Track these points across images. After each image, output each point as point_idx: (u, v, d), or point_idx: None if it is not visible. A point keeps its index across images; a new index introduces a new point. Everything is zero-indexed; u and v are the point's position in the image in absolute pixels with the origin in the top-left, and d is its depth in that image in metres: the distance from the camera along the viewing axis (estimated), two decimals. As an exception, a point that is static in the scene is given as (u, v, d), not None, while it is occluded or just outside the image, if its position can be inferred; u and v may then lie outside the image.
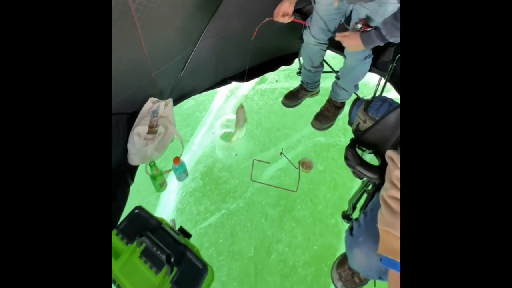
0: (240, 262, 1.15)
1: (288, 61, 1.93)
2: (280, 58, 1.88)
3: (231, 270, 1.13)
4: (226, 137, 1.58)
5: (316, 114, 1.62)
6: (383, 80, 1.49)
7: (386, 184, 0.72)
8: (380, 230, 0.67)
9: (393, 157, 0.68)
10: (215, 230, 1.24)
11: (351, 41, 1.08)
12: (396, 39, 0.97)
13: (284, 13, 1.15)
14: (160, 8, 1.05)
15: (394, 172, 0.67)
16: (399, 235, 0.62)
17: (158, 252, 0.87)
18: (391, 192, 0.68)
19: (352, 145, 0.86)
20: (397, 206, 0.66)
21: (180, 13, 1.19)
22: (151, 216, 1.02)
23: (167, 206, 1.31)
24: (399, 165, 0.66)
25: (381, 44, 1.01)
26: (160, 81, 1.37)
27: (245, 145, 1.56)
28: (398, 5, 0.95)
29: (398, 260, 0.61)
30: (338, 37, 1.12)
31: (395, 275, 0.63)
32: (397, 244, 0.63)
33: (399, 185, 0.66)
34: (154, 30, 1.12)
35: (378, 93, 1.52)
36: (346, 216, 1.14)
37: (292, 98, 1.69)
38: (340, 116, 1.63)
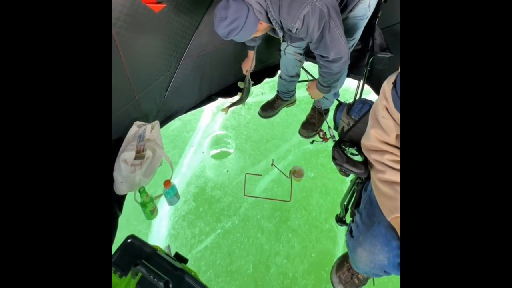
0: (239, 281, 1.12)
1: (271, 73, 1.97)
2: (263, 70, 1.91)
3: (231, 290, 1.10)
4: (217, 156, 1.57)
5: (302, 123, 1.65)
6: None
7: (372, 173, 0.75)
8: (391, 222, 0.69)
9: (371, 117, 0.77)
10: (211, 252, 1.21)
11: (313, 91, 1.33)
12: (330, 83, 1.20)
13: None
14: (141, 30, 1.07)
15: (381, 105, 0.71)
16: None
17: (156, 279, 0.83)
18: (379, 176, 0.71)
19: (338, 145, 0.88)
20: (390, 189, 0.69)
21: (161, 33, 1.21)
22: (145, 244, 0.99)
23: (159, 234, 1.27)
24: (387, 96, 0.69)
25: (329, 90, 1.27)
26: (145, 103, 1.37)
27: (236, 160, 1.56)
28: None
29: None
30: (307, 86, 1.39)
31: None
32: None
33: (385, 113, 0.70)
34: (136, 52, 1.14)
35: (358, 97, 1.57)
36: (339, 219, 1.15)
37: (269, 108, 1.72)
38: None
